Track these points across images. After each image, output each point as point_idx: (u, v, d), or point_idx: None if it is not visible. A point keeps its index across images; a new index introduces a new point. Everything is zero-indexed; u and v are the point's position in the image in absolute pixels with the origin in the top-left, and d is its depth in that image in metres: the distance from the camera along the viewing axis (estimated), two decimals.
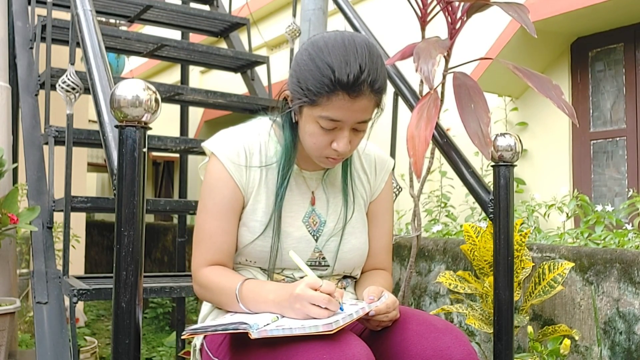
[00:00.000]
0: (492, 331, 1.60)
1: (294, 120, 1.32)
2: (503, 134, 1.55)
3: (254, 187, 1.34)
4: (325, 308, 1.13)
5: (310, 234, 1.37)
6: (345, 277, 1.44)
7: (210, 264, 1.32)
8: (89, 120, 4.69)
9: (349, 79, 1.19)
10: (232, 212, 1.33)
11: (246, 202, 1.35)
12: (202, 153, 2.33)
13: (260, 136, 1.38)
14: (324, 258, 1.37)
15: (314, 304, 1.13)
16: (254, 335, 1.08)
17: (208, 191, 1.33)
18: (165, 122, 4.25)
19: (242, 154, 1.34)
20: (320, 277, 1.38)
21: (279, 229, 1.33)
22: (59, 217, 2.19)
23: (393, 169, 1.53)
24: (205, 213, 1.33)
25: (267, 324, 1.12)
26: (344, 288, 1.43)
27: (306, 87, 1.23)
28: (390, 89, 2.11)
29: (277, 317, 1.17)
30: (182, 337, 1.24)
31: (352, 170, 1.44)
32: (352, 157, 1.44)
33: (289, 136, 1.34)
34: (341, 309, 1.16)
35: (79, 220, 4.15)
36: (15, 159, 2.74)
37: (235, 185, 1.32)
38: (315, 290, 1.14)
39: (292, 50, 3.08)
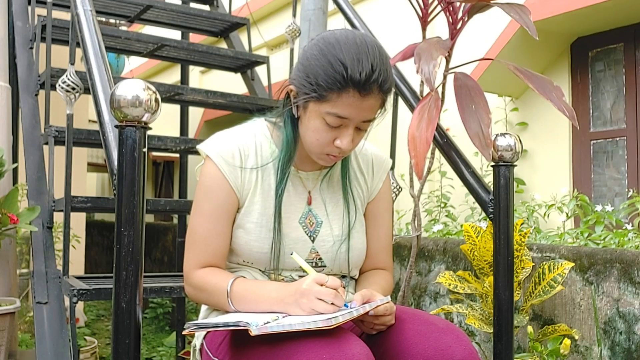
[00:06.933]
0: (492, 331, 1.60)
1: (295, 116, 1.32)
2: (503, 134, 1.55)
3: (250, 188, 1.34)
4: (332, 303, 1.14)
5: (307, 234, 1.37)
6: (344, 276, 1.44)
7: (204, 266, 1.32)
8: (89, 120, 4.68)
9: (361, 76, 1.19)
10: (226, 215, 1.33)
11: (241, 204, 1.34)
12: None
13: (255, 137, 1.37)
14: (320, 259, 1.37)
15: (320, 299, 1.14)
16: (254, 332, 1.08)
17: (203, 193, 1.33)
18: (165, 122, 4.25)
19: (237, 155, 1.33)
20: None
21: (280, 229, 1.33)
22: (59, 217, 2.18)
23: (393, 169, 1.53)
24: (199, 215, 1.33)
25: (267, 322, 1.12)
26: (344, 287, 1.43)
27: (316, 82, 1.22)
28: None
29: (277, 317, 1.17)
30: (183, 333, 1.24)
31: (349, 171, 1.44)
32: (349, 157, 1.44)
33: (290, 132, 1.33)
34: (346, 305, 1.18)
35: (79, 220, 4.15)
36: (15, 159, 2.74)
37: (230, 188, 1.32)
38: (321, 285, 1.16)
39: (292, 51, 3.08)
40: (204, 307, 1.44)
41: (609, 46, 3.68)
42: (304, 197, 1.39)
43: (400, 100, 2.06)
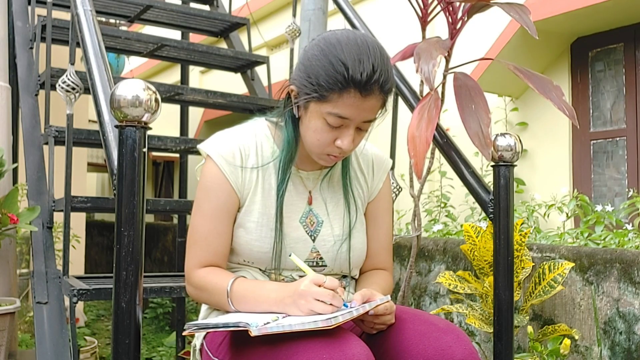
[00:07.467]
0: (492, 331, 1.60)
1: (296, 116, 1.32)
2: (503, 134, 1.55)
3: (250, 188, 1.34)
4: (330, 304, 1.14)
5: (308, 234, 1.37)
6: (344, 276, 1.44)
7: (205, 265, 1.33)
8: (89, 120, 4.69)
9: (362, 77, 1.19)
10: (227, 214, 1.33)
11: (242, 203, 1.34)
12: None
13: (256, 137, 1.37)
14: (321, 258, 1.37)
15: (319, 300, 1.14)
16: (254, 332, 1.08)
17: (203, 193, 1.33)
18: (165, 122, 4.25)
19: (237, 155, 1.33)
20: None
21: (281, 229, 1.33)
22: (59, 217, 2.18)
23: (393, 169, 1.53)
24: (200, 215, 1.33)
25: (267, 322, 1.12)
26: (344, 287, 1.43)
27: (317, 82, 1.22)
28: None
29: (278, 317, 1.17)
30: (184, 334, 1.25)
31: (350, 171, 1.44)
32: (350, 157, 1.44)
33: (292, 132, 1.34)
34: (345, 305, 1.17)
35: (79, 220, 4.15)
36: (15, 159, 2.74)
37: (231, 187, 1.32)
38: (319, 286, 1.15)
39: (292, 51, 3.07)
40: (204, 307, 1.44)
41: (609, 46, 3.68)
42: (305, 197, 1.39)
43: (400, 100, 2.06)
